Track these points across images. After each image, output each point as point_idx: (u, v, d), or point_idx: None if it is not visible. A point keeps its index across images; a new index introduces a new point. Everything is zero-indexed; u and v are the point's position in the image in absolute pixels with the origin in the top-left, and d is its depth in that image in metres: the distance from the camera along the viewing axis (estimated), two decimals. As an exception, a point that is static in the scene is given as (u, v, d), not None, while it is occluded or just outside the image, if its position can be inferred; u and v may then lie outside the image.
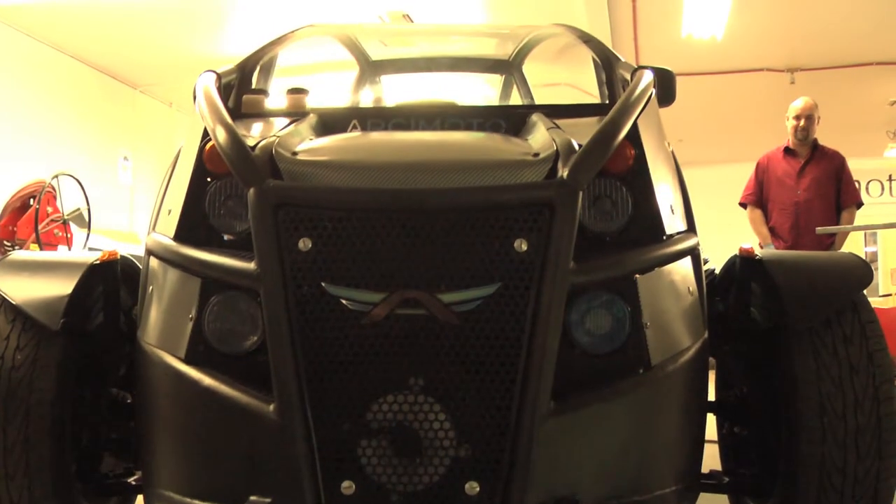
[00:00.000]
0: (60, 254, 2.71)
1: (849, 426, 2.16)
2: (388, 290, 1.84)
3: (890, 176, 15.34)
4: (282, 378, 1.81)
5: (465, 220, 1.86)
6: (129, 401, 2.51)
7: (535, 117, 2.52)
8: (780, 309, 2.27)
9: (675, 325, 2.08)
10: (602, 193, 2.07)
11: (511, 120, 2.66)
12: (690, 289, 2.18)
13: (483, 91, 5.33)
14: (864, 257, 8.47)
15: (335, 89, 5.26)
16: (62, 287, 2.31)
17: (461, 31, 5.32)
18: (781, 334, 2.28)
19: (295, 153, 2.04)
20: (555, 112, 2.72)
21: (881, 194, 15.40)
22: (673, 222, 2.21)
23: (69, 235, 7.83)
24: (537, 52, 4.49)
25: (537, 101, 4.69)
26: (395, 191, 1.88)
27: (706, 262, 2.59)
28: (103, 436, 2.51)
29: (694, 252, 2.21)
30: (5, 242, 7.56)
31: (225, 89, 2.81)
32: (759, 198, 6.75)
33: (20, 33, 9.00)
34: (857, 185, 6.73)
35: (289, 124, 2.43)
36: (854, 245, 10.01)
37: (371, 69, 4.84)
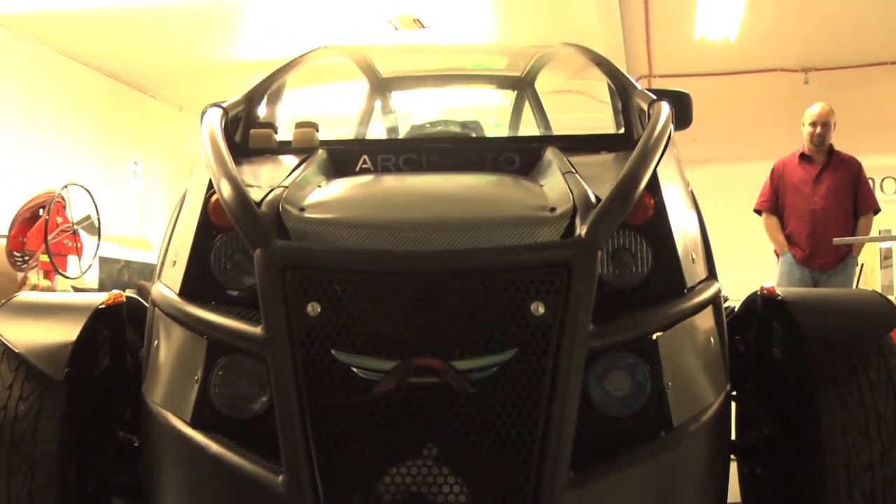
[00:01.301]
0: (65, 296, 2.67)
1: (876, 478, 2.10)
2: (401, 358, 1.77)
3: (904, 173, 15.21)
4: (290, 448, 1.75)
5: (479, 283, 1.79)
6: (136, 444, 2.47)
7: (549, 154, 2.46)
8: (804, 356, 2.21)
9: (697, 382, 2.02)
10: (621, 246, 2.01)
11: (524, 154, 2.60)
12: (712, 341, 2.11)
13: (496, 99, 5.26)
14: (879, 255, 8.33)
15: (343, 97, 5.20)
16: (66, 334, 2.26)
17: (473, 49, 5.26)
18: (805, 379, 2.22)
19: (302, 209, 1.97)
20: (569, 144, 2.66)
21: (896, 191, 15.28)
22: (694, 271, 2.14)
23: (79, 245, 7.80)
24: (551, 69, 4.42)
25: (547, 109, 4.63)
26: (405, 253, 1.82)
27: (726, 299, 2.53)
28: (110, 480, 2.47)
29: (715, 301, 2.14)
30: (15, 253, 7.54)
31: (232, 122, 2.76)
32: (774, 205, 6.66)
33: (29, 40, 8.97)
34: (873, 190, 6.59)
35: (298, 164, 2.37)
36: (870, 246, 9.87)
37: (381, 85, 4.78)
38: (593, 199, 1.96)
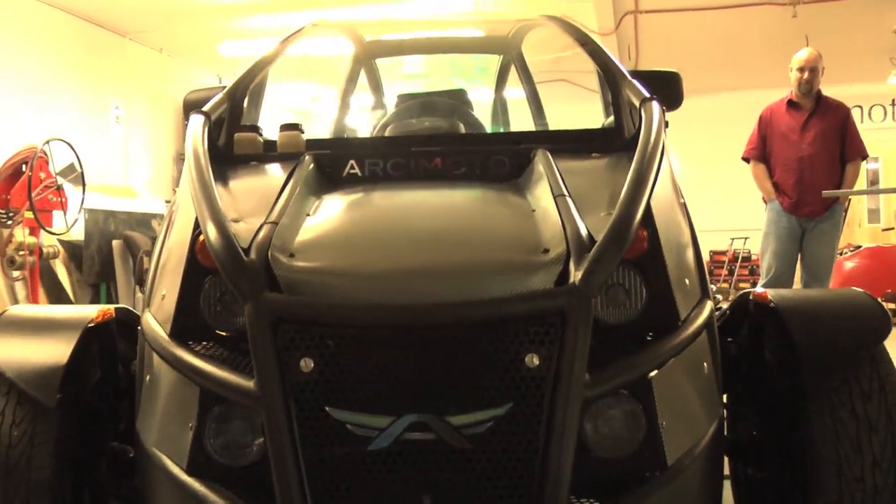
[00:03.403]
0: (55, 311, 2.63)
1: (867, 488, 2.11)
2: (396, 414, 1.77)
3: (893, 100, 15.16)
4: (286, 501, 1.75)
5: (473, 336, 1.78)
6: (130, 454, 2.47)
7: (539, 161, 2.42)
8: (796, 366, 2.21)
9: (691, 414, 2.02)
10: (614, 282, 1.98)
11: (514, 157, 2.57)
12: (706, 367, 2.10)
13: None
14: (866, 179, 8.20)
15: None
16: (56, 356, 2.24)
17: (459, 22, 5.16)
18: (797, 387, 2.23)
19: (292, 255, 1.94)
20: (559, 145, 2.63)
21: (884, 119, 15.27)
22: (687, 298, 2.12)
23: (64, 200, 7.75)
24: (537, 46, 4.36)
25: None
26: (398, 307, 1.79)
27: (717, 301, 2.53)
28: (107, 492, 2.48)
29: (709, 325, 2.13)
30: (0, 211, 7.49)
31: (216, 124, 2.71)
32: (761, 152, 6.62)
33: (1, -13, 8.79)
34: (861, 136, 6.55)
35: (285, 181, 2.33)
36: (858, 183, 9.89)
37: (366, 51, 4.71)
38: (586, 236, 1.92)
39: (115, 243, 8.94)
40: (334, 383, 1.78)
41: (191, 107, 3.09)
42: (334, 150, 2.76)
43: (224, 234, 1.88)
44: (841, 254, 7.59)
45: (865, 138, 6.73)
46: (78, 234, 8.30)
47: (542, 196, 2.22)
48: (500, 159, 2.58)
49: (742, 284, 14.26)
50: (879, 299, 7.61)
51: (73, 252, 8.67)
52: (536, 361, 1.77)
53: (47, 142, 7.57)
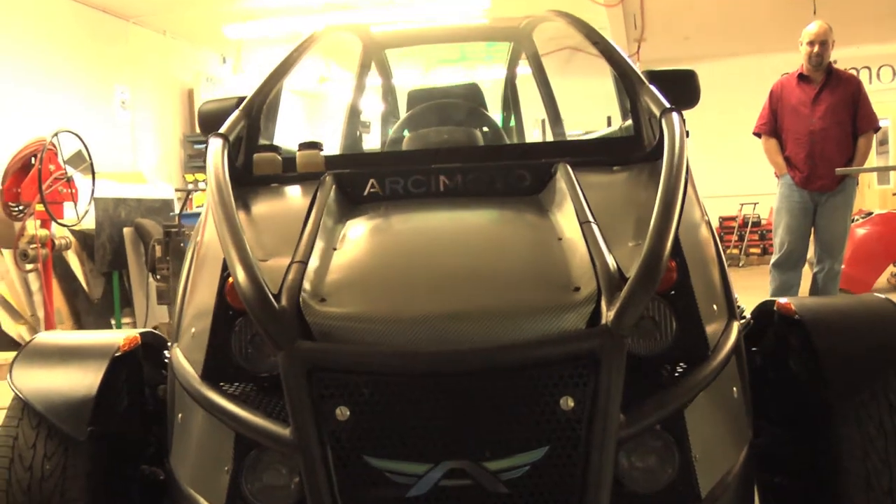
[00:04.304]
0: (81, 339, 2.63)
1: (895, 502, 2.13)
2: (433, 461, 1.77)
3: (902, 60, 15.06)
4: None
5: (507, 380, 1.78)
6: (161, 477, 2.49)
7: (561, 178, 2.43)
8: (823, 381, 2.21)
9: (722, 442, 2.02)
10: (644, 315, 1.98)
11: (535, 172, 2.57)
12: (736, 393, 2.10)
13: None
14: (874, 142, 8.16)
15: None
16: (85, 388, 2.26)
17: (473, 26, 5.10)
18: (824, 399, 2.24)
19: (323, 299, 1.94)
20: (580, 157, 2.63)
21: (892, 79, 15.18)
22: (716, 321, 2.12)
23: (74, 191, 7.74)
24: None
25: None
26: (433, 353, 1.79)
27: (741, 310, 2.52)
28: None
29: (738, 348, 2.13)
30: (11, 205, 7.48)
31: (234, 144, 2.70)
32: (773, 127, 6.60)
33: (3, -24, 8.74)
34: (872, 108, 6.51)
35: (308, 208, 2.33)
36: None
37: (376, 42, 4.68)
38: (616, 272, 1.92)
39: (127, 231, 8.95)
40: (370, 431, 1.78)
41: (206, 119, 3.08)
42: (353, 167, 2.75)
43: (254, 280, 1.88)
44: (852, 220, 7.56)
45: (874, 99, 6.70)
46: (89, 223, 8.30)
47: (567, 221, 2.21)
48: (521, 174, 2.58)
49: (752, 250, 14.27)
50: (892, 265, 7.62)
51: (85, 241, 8.68)
52: (571, 404, 1.77)
53: (56, 134, 7.54)
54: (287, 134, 3.40)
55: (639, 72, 2.95)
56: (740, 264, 13.99)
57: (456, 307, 1.89)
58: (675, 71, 3.12)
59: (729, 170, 13.49)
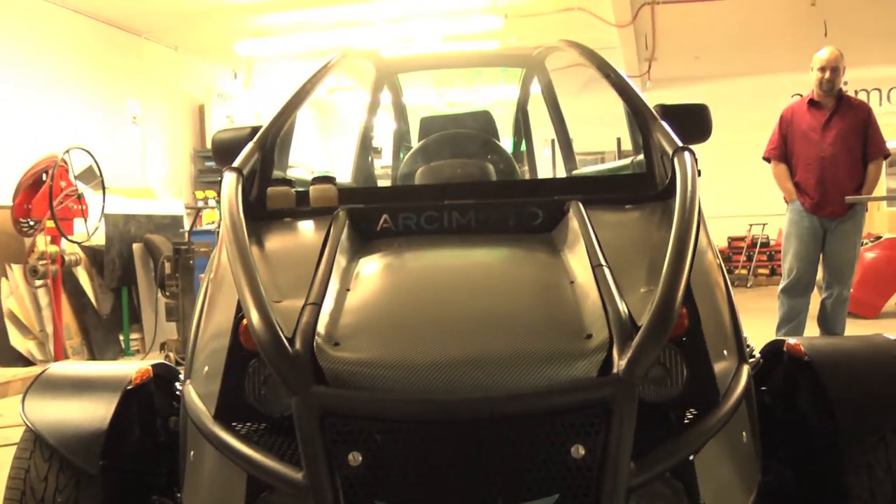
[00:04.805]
0: (93, 371, 2.64)
1: None
2: None
3: (915, 83, 15.06)
4: None
5: (518, 428, 1.78)
6: None
7: (573, 217, 2.44)
8: (832, 427, 2.22)
9: (732, 486, 2.03)
10: (655, 361, 1.98)
11: (547, 209, 2.59)
12: (745, 436, 2.11)
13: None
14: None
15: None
16: (97, 422, 2.27)
17: (485, 52, 5.12)
18: (832, 442, 2.24)
19: (336, 343, 1.95)
20: (592, 195, 2.64)
21: (904, 102, 15.16)
22: (727, 366, 2.12)
23: (84, 207, 7.79)
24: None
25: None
26: (446, 401, 1.80)
27: (750, 349, 2.53)
28: None
29: (748, 392, 2.13)
30: (21, 221, 7.53)
31: (248, 177, 2.72)
32: (783, 152, 6.60)
33: (19, -8, 8.79)
34: (882, 135, 6.51)
35: (322, 245, 2.34)
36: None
37: (389, 66, 4.70)
38: (628, 319, 1.93)
39: (136, 247, 9.00)
40: (383, 477, 1.79)
41: (220, 148, 3.10)
42: (366, 201, 2.76)
43: (268, 324, 1.89)
44: (862, 244, 7.57)
45: (884, 120, 6.69)
46: (99, 239, 8.34)
47: (580, 264, 2.22)
48: (533, 212, 2.60)
49: (761, 271, 14.26)
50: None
51: (95, 257, 8.72)
52: (582, 452, 1.77)
53: (67, 150, 7.59)
54: (298, 146, 3.40)
55: (651, 108, 2.96)
56: (748, 285, 13.97)
57: (468, 354, 1.90)
58: (688, 106, 3.13)
59: (738, 190, 13.48)
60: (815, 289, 6.64)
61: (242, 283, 2.00)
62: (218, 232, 8.66)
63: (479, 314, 2.08)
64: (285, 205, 2.69)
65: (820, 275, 6.62)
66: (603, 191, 2.79)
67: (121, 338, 8.89)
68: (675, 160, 2.51)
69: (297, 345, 1.91)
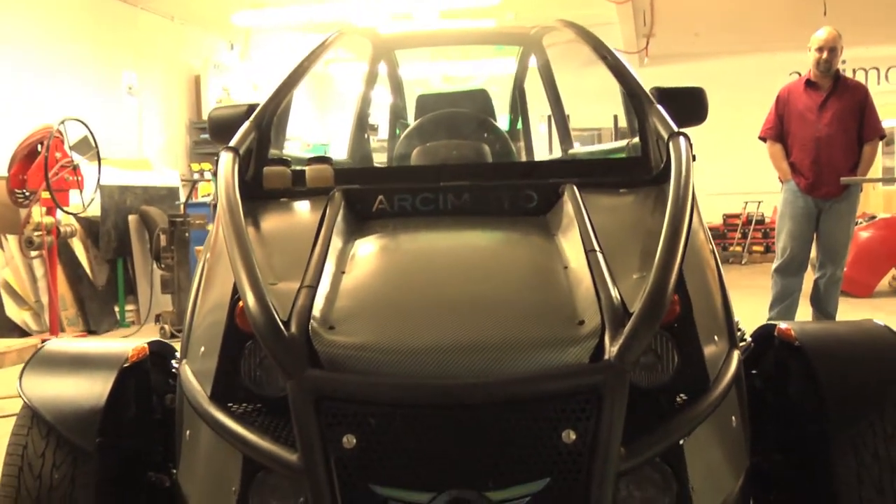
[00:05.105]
0: (90, 348, 2.65)
1: None
2: (436, 490, 1.80)
3: (914, 61, 15.05)
4: None
5: (510, 413, 1.81)
6: (167, 484, 2.53)
7: (568, 200, 2.46)
8: (821, 412, 2.25)
9: (720, 471, 2.05)
10: (647, 348, 2.00)
11: (542, 192, 2.60)
12: (734, 421, 2.13)
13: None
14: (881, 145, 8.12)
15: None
16: (94, 399, 2.29)
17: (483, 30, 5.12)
18: (821, 426, 2.27)
19: (332, 326, 1.97)
20: (587, 178, 2.65)
21: (903, 80, 15.17)
22: (718, 352, 2.14)
23: (80, 178, 7.76)
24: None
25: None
26: (439, 385, 1.82)
27: (741, 333, 2.55)
28: None
29: (738, 377, 2.16)
30: (16, 192, 7.51)
31: (244, 156, 2.72)
32: (779, 132, 6.60)
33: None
34: (879, 116, 6.52)
35: (318, 226, 2.36)
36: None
37: (386, 42, 4.69)
38: (620, 306, 1.95)
39: (132, 218, 9.00)
40: (376, 459, 1.81)
41: (216, 125, 3.10)
42: (362, 181, 2.78)
43: (264, 307, 1.90)
44: (856, 223, 7.59)
45: (882, 100, 6.68)
46: (94, 210, 8.34)
47: (573, 249, 2.24)
48: (528, 194, 2.61)
49: (755, 248, 14.29)
50: (894, 269, 7.65)
51: (90, 228, 8.73)
52: (573, 437, 1.80)
53: (62, 121, 7.56)
54: (294, 119, 3.39)
55: (647, 91, 2.96)
56: (743, 262, 14.02)
57: (462, 339, 1.92)
58: (684, 88, 3.13)
59: (734, 167, 13.50)
60: (809, 268, 6.67)
61: (238, 266, 2.02)
62: (213, 205, 8.69)
63: (474, 299, 2.11)
64: (281, 185, 2.70)
65: (814, 254, 6.65)
66: (598, 174, 2.80)
67: (116, 309, 8.91)
68: (671, 145, 2.52)
69: (293, 328, 1.93)
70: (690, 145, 2.54)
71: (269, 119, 2.90)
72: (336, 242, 2.34)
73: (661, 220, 2.15)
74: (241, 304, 2.03)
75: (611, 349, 1.85)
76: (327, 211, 2.48)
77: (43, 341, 7.15)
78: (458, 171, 2.87)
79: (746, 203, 14.30)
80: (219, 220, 2.41)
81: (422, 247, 2.51)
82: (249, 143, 2.76)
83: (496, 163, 3.51)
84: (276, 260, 2.29)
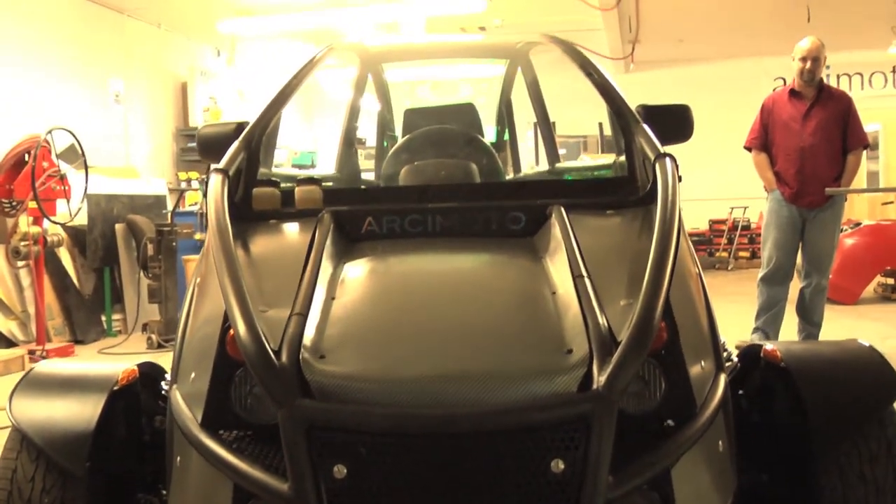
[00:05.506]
0: (80, 370, 2.64)
1: None
2: None
3: (894, 68, 15.12)
4: None
5: (499, 442, 1.83)
6: None
7: (555, 223, 2.48)
8: (807, 432, 2.27)
9: (708, 497, 2.07)
10: (635, 376, 2.02)
11: (529, 213, 2.63)
12: (721, 446, 2.15)
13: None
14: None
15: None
16: (84, 423, 2.29)
17: (470, 44, 5.13)
18: (807, 446, 2.29)
19: (322, 356, 1.98)
20: (574, 199, 2.67)
21: (884, 86, 15.25)
22: (704, 377, 2.16)
23: (67, 188, 7.75)
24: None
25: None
26: (430, 415, 1.84)
27: (727, 354, 2.57)
28: None
29: (725, 401, 2.18)
30: (3, 201, 7.50)
31: (234, 177, 2.73)
32: (763, 141, 6.63)
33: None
34: (863, 125, 6.57)
35: (307, 250, 2.37)
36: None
37: (373, 56, 4.70)
38: (608, 335, 1.97)
39: (119, 227, 8.99)
40: (367, 488, 1.83)
41: (205, 143, 3.12)
42: (351, 202, 2.79)
43: (255, 336, 1.92)
44: (841, 230, 7.64)
45: (865, 105, 6.71)
46: (81, 219, 8.32)
47: (561, 273, 2.26)
48: (516, 216, 2.63)
49: (741, 254, 14.36)
50: (879, 276, 7.67)
51: (77, 237, 8.71)
52: (562, 466, 1.82)
53: (50, 131, 7.56)
54: (281, 126, 3.39)
55: (633, 109, 2.99)
56: (729, 268, 14.08)
57: (452, 368, 1.94)
58: (669, 106, 3.16)
59: (720, 173, 13.56)
60: (795, 275, 6.71)
61: (229, 293, 2.03)
62: (201, 214, 8.67)
63: (463, 327, 2.12)
64: (271, 206, 2.71)
65: (799, 262, 6.69)
66: (585, 194, 2.83)
67: (103, 318, 8.89)
68: (657, 167, 2.54)
69: (284, 357, 1.94)
70: (676, 166, 2.57)
71: (259, 139, 2.91)
72: (326, 267, 2.36)
73: (648, 243, 2.17)
74: (231, 332, 2.04)
75: (599, 378, 1.87)
76: (316, 234, 2.49)
77: (30, 351, 7.21)
78: (447, 192, 2.89)
79: (732, 209, 14.37)
80: (208, 243, 2.42)
81: (410, 272, 2.53)
82: (239, 163, 2.78)
83: (484, 183, 3.53)
84: (266, 285, 2.30)
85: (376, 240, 2.65)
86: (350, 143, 4.60)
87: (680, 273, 2.30)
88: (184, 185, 10.15)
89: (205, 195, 2.55)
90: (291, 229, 2.69)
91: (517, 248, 2.55)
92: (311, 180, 2.74)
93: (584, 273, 2.19)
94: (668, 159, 2.56)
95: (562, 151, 5.61)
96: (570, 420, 1.83)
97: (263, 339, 1.92)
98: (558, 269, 2.30)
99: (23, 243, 7.53)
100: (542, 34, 3.83)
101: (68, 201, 7.83)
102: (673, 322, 2.10)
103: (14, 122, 8.33)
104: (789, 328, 6.60)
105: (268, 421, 2.01)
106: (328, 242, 2.46)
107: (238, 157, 2.78)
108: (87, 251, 8.74)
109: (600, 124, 8.70)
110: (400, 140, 4.13)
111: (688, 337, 2.15)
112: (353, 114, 4.70)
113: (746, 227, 14.41)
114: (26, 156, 7.50)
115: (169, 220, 8.54)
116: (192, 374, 2.20)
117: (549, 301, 2.19)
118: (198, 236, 8.70)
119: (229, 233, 2.27)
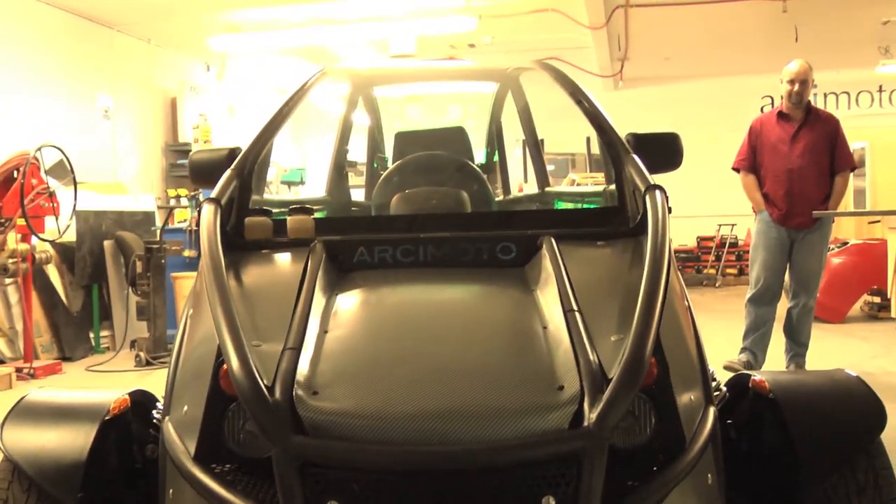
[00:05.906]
0: (72, 399, 2.65)
1: None
2: None
3: (880, 87, 15.26)
4: None
5: (493, 480, 1.84)
6: None
7: (546, 255, 2.50)
8: (795, 464, 2.29)
9: None
10: (626, 413, 2.03)
11: (520, 244, 2.65)
12: (710, 478, 2.16)
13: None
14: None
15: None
16: (76, 453, 2.29)
17: (461, 68, 5.17)
18: (793, 479, 2.31)
19: (315, 392, 1.99)
20: (565, 229, 2.69)
21: (871, 105, 15.38)
22: (694, 410, 2.18)
23: (56, 205, 7.74)
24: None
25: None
26: (423, 452, 1.85)
27: (716, 383, 2.59)
28: None
29: (713, 434, 2.19)
30: (-8, 218, 7.48)
31: (226, 205, 2.74)
32: (752, 163, 6.68)
33: (-10, -15, 8.70)
34: (850, 148, 6.62)
35: (300, 282, 2.38)
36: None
37: (364, 80, 4.73)
38: (598, 371, 1.98)
39: (107, 244, 8.97)
40: None
41: (197, 169, 3.13)
42: (343, 231, 2.81)
43: (248, 372, 1.92)
44: (829, 250, 7.69)
45: (853, 124, 6.75)
46: (70, 235, 8.31)
47: (552, 307, 2.27)
48: (506, 246, 2.65)
49: (729, 270, 14.42)
50: (866, 294, 7.72)
51: (65, 254, 8.69)
52: (553, 502, 1.83)
53: (39, 148, 7.55)
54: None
55: (623, 139, 3.01)
56: (717, 284, 14.14)
57: (444, 405, 1.95)
58: (659, 135, 3.19)
59: (707, 190, 13.61)
60: (783, 295, 6.75)
61: (222, 327, 2.04)
62: (190, 231, 8.65)
63: (456, 363, 2.13)
64: (263, 235, 2.72)
65: (787, 281, 6.73)
66: (575, 224, 2.85)
67: (91, 335, 8.87)
68: (647, 199, 2.56)
69: (277, 393, 1.95)
70: (666, 198, 2.59)
71: (251, 167, 2.93)
72: (319, 298, 2.37)
73: (639, 276, 2.19)
74: (225, 366, 2.04)
75: (590, 415, 1.88)
76: (309, 264, 2.50)
77: (17, 369, 7.17)
78: (438, 221, 2.90)
79: (720, 226, 14.43)
80: (201, 273, 2.43)
81: (403, 305, 2.54)
82: (231, 192, 2.79)
83: (475, 212, 3.55)
84: (259, 317, 2.31)
85: (368, 269, 2.66)
86: (340, 168, 4.61)
87: (669, 306, 2.31)
88: (173, 201, 10.13)
89: (197, 223, 2.55)
90: (284, 259, 2.70)
91: (508, 280, 2.57)
92: (302, 209, 2.75)
93: (575, 307, 2.21)
94: (657, 192, 2.58)
95: (550, 168, 5.64)
96: (562, 457, 1.85)
97: (257, 374, 1.93)
98: (549, 303, 2.32)
99: (11, 260, 7.50)
100: (533, 61, 3.85)
101: (57, 218, 7.82)
102: (663, 357, 2.12)
103: (2, 137, 8.32)
104: (776, 348, 6.63)
105: (261, 454, 2.01)
106: (320, 273, 2.48)
107: (230, 185, 2.80)
108: (76, 268, 8.72)
109: (588, 139, 8.73)
110: (391, 166, 4.15)
111: (677, 371, 2.17)
112: (344, 138, 4.72)
113: (734, 245, 14.47)
114: (15, 173, 7.48)
115: (158, 237, 8.52)
116: (185, 407, 2.21)
117: (540, 336, 2.20)
118: (187, 253, 8.68)
119: (222, 266, 2.28)
